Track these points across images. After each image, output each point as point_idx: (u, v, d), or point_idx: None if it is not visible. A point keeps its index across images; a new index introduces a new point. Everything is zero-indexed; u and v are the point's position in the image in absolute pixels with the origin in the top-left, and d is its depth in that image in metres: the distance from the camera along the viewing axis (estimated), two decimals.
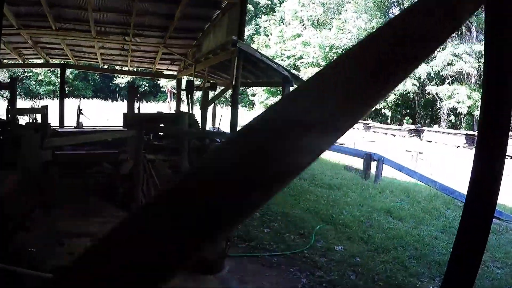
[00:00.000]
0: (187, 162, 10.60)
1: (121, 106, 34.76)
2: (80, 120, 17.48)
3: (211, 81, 15.64)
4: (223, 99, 50.44)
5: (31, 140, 5.24)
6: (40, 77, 47.52)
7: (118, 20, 12.23)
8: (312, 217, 7.24)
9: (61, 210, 6.62)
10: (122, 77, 49.56)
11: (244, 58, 9.62)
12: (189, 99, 13.59)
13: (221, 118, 15.53)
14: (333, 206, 8.03)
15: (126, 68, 20.68)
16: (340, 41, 36.48)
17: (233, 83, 9.33)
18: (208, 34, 12.29)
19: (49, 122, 10.83)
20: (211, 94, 15.21)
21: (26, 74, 47.30)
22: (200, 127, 12.40)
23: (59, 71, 44.56)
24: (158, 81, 45.26)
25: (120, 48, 15.56)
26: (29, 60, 19.43)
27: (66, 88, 46.78)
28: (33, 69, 45.70)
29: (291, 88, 10.22)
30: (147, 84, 51.67)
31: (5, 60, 18.80)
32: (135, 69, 22.19)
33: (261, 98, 42.78)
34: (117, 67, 21.33)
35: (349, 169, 12.27)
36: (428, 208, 8.54)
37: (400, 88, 31.09)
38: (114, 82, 53.16)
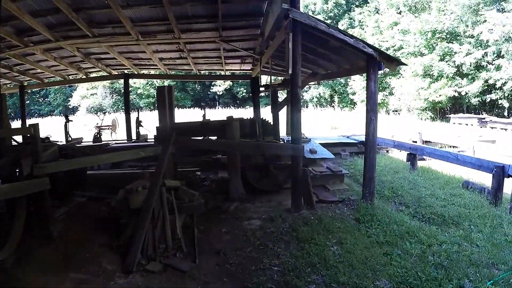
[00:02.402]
0: (240, 183, 7.96)
1: (219, 113, 34.74)
2: (142, 133, 16.04)
3: (283, 78, 12.84)
4: (317, 98, 47.96)
5: None
6: (139, 91, 49.92)
7: (155, 15, 9.97)
8: None
9: (43, 253, 5.47)
10: (219, 85, 52.14)
11: (306, 34, 6.70)
12: (255, 100, 10.98)
13: None
14: (448, 270, 4.71)
15: (194, 72, 18.64)
16: (443, 24, 31.56)
17: (290, 71, 6.43)
18: (268, 17, 9.49)
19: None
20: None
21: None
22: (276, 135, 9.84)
23: (156, 84, 48.26)
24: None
25: (176, 49, 13.38)
26: (92, 74, 18.13)
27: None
28: (132, 84, 48.17)
29: (380, 73, 7.11)
30: (244, 90, 51.17)
31: (70, 76, 17.80)
32: (205, 73, 20.14)
33: (362, 96, 39.03)
34: (183, 72, 19.47)
35: (469, 187, 8.67)
36: None
37: None
38: (212, 90, 54.34)
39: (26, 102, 52.13)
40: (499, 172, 7.61)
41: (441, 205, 7.50)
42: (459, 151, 12.18)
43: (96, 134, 17.40)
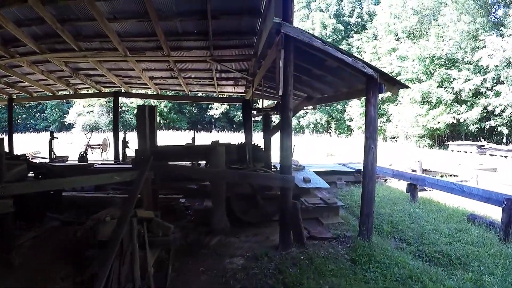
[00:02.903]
0: (224, 214, 7.25)
1: (215, 137, 34.38)
2: (129, 154, 15.45)
3: (276, 101, 12.25)
4: (313, 124, 47.53)
5: None
6: (135, 111, 48.91)
7: (143, 30, 9.39)
8: None
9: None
10: (216, 108, 52.66)
11: (300, 53, 6.11)
12: (246, 124, 10.34)
13: (294, 148, 11.62)
14: None
15: (186, 93, 17.91)
16: (442, 51, 31.31)
17: (280, 92, 5.79)
18: (261, 35, 8.92)
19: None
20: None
21: (123, 108, 50.23)
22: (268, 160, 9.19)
23: (153, 105, 48.70)
24: None
25: (166, 68, 12.77)
26: (81, 91, 17.44)
27: (161, 121, 49.71)
28: (128, 103, 48.06)
29: (380, 96, 6.43)
30: (241, 114, 50.90)
31: (59, 92, 17.17)
32: (200, 94, 19.44)
33: (359, 123, 38.85)
34: (180, 93, 18.76)
35: (475, 221, 7.95)
36: None
37: None
38: (208, 114, 54.44)
39: (23, 116, 52.49)
40: (510, 206, 6.92)
41: (446, 242, 6.80)
42: (461, 181, 11.52)
43: (82, 153, 16.70)
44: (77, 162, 15.25)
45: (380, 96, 6.39)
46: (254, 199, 7.60)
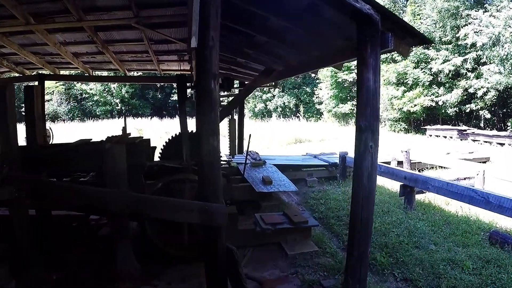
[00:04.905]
0: (130, 252, 4.50)
1: (177, 124, 31.28)
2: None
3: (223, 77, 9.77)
4: (281, 108, 44.81)
5: None
6: (96, 98, 47.49)
7: None
8: None
9: None
10: None
11: None
12: (181, 107, 7.69)
13: (250, 138, 8.93)
14: None
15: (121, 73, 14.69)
16: (418, 29, 29.20)
17: (194, 42, 3.01)
18: None
19: None
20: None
21: (83, 96, 48.11)
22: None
23: (114, 91, 45.56)
24: None
25: (89, 40, 9.71)
26: (3, 75, 14.24)
27: (123, 108, 46.25)
28: (88, 90, 45.12)
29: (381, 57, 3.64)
30: None
31: None
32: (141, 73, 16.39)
33: (329, 106, 36.71)
34: (111, 73, 15.65)
35: (502, 242, 5.49)
36: None
37: (503, 80, 23.30)
38: (172, 98, 51.09)
39: None
40: None
41: (476, 285, 4.33)
42: (465, 178, 9.08)
43: None
44: None
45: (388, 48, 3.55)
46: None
